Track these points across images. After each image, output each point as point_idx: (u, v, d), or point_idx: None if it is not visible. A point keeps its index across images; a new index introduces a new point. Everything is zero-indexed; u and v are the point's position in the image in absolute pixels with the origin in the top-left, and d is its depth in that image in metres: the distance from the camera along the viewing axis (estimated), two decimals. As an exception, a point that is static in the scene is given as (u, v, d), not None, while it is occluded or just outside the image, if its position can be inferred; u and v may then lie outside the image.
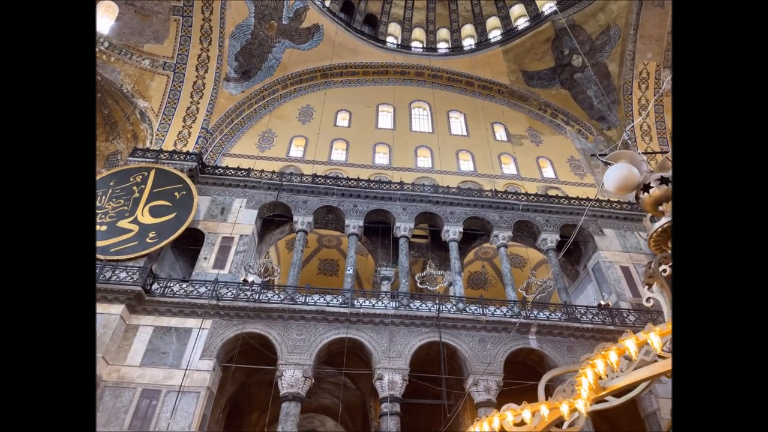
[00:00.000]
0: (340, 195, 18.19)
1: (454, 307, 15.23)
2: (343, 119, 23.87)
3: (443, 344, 14.16)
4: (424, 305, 15.21)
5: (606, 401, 4.58)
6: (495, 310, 15.26)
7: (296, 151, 22.00)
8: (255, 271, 14.57)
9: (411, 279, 16.99)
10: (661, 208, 5.47)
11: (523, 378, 12.81)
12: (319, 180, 18.54)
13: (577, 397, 3.26)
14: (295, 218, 17.49)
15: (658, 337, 2.59)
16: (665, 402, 13.24)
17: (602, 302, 16.54)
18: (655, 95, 22.04)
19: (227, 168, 18.41)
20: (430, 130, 23.97)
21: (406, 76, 25.89)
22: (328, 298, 14.81)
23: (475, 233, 18.93)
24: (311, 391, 13.94)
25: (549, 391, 4.03)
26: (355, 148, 22.35)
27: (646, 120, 22.02)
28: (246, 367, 14.01)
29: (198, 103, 20.46)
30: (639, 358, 3.33)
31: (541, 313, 15.48)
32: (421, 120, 24.70)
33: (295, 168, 20.70)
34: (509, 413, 3.74)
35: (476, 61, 25.74)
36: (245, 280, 14.07)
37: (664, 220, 5.10)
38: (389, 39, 26.59)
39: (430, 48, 26.73)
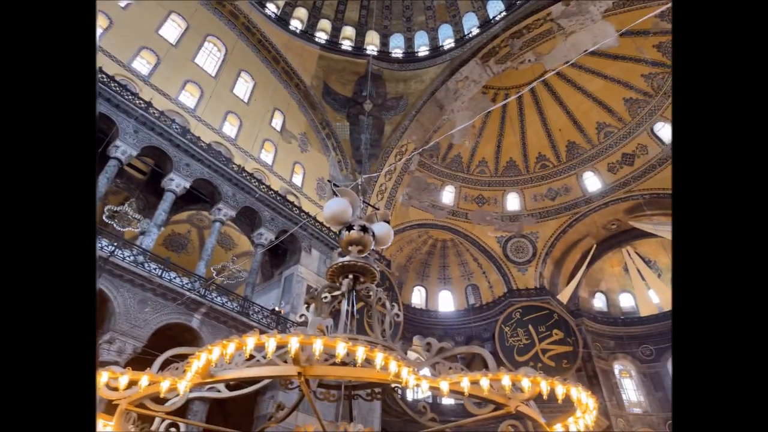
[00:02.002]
0: (61, 70, 14.05)
1: (132, 257, 13.48)
2: (119, -5, 19.01)
3: (98, 290, 12.19)
4: (98, 242, 12.89)
5: (219, 391, 4.70)
6: (175, 278, 14.28)
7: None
8: None
9: (101, 208, 14.30)
10: (350, 248, 6.29)
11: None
12: (41, 36, 13.90)
13: (183, 378, 3.20)
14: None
15: (274, 341, 2.82)
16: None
17: (277, 308, 17.82)
18: (400, 169, 26.50)
19: None
20: (213, 74, 21.72)
21: (220, 7, 23.07)
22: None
23: (200, 196, 17.70)
24: None
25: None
26: (117, 36, 17.96)
27: (386, 182, 26.09)
28: None
29: None
30: (257, 358, 3.55)
31: (219, 298, 15.38)
32: (209, 57, 22.15)
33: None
34: (105, 374, 3.38)
35: (293, 45, 25.34)
36: None
37: (346, 258, 5.87)
38: (224, -41, 23.35)
39: (261, 2, 24.86)
